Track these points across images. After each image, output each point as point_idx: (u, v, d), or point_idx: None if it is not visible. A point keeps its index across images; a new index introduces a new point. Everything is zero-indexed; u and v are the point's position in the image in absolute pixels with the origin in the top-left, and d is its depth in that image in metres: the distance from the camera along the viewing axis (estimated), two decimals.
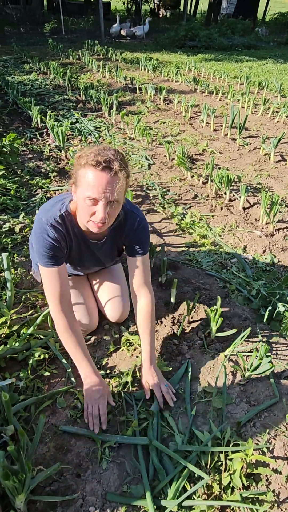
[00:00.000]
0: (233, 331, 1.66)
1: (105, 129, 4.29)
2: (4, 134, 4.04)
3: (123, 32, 13.00)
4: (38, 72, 7.04)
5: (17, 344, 1.55)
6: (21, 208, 2.68)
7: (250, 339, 1.74)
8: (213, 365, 1.63)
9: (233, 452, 1.28)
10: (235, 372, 1.58)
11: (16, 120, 4.55)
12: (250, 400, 1.48)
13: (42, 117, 4.27)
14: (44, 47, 10.36)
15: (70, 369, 1.55)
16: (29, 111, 4.47)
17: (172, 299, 1.89)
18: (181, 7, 18.90)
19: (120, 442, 1.32)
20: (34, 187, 2.99)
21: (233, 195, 2.96)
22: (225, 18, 17.23)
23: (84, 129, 4.22)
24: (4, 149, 3.20)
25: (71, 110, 4.92)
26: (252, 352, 1.67)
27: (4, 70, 7.10)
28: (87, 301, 1.72)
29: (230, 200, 2.92)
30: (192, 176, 3.24)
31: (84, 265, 1.64)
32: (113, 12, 20.33)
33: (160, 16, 20.81)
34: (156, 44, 11.83)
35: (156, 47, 11.37)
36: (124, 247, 1.59)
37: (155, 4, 21.03)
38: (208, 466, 1.25)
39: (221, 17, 17.22)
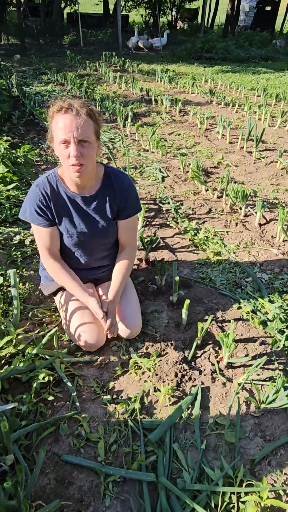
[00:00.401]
0: (247, 358, 1.57)
1: (119, 140, 4.28)
2: (20, 144, 4.06)
3: (140, 44, 13.15)
4: (55, 83, 7.14)
5: (21, 364, 1.49)
6: None
7: (266, 366, 1.65)
8: (225, 393, 1.54)
9: (246, 493, 1.19)
10: (249, 402, 1.49)
11: (32, 130, 4.58)
12: (265, 435, 1.38)
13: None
14: (63, 58, 10.55)
15: (75, 393, 1.48)
16: (45, 122, 4.49)
17: (184, 321, 1.81)
18: (199, 20, 19.07)
19: (125, 477, 1.24)
20: None
21: (249, 211, 2.87)
22: (243, 30, 17.30)
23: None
24: (19, 159, 3.21)
25: None
26: (267, 381, 1.57)
27: (22, 81, 7.22)
28: (96, 317, 1.65)
29: (246, 215, 2.84)
30: (207, 190, 3.17)
31: (77, 229, 1.59)
32: (131, 25, 20.68)
33: (178, 28, 21.04)
34: (173, 55, 11.91)
35: (173, 58, 11.44)
36: (117, 212, 1.64)
37: (173, 17, 21.28)
38: (219, 508, 1.16)
39: (238, 29, 17.29)
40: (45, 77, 7.74)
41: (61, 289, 1.75)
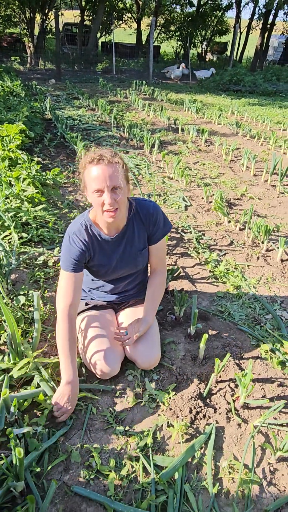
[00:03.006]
0: (265, 401, 1.53)
1: (145, 167, 4.38)
2: (50, 165, 4.23)
3: (175, 74, 13.59)
4: (86, 108, 7.43)
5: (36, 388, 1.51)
6: (57, 241, 2.73)
7: (284, 410, 1.60)
8: (240, 435, 1.50)
9: None
10: (264, 448, 1.45)
11: (62, 153, 4.76)
12: (280, 485, 1.33)
13: (87, 152, 4.44)
14: (95, 85, 11.00)
15: (85, 424, 1.48)
16: (75, 145, 4.67)
17: (201, 355, 1.80)
18: (228, 53, 19.67)
19: None
20: (72, 221, 3.04)
21: (271, 246, 2.87)
22: (271, 64, 17.69)
23: None
24: (48, 181, 3.33)
25: (115, 146, 5.10)
26: (285, 426, 1.53)
27: (56, 105, 7.55)
28: (113, 346, 1.67)
29: (268, 250, 2.83)
30: (229, 222, 3.19)
31: (110, 264, 1.67)
32: (162, 55, 21.46)
33: (207, 60, 21.72)
34: (201, 86, 12.25)
35: (200, 89, 11.77)
36: (148, 238, 1.70)
37: (203, 49, 22.03)
38: None
39: (266, 63, 17.71)
40: (77, 102, 8.08)
41: (83, 311, 1.79)
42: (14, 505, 1.20)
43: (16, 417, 1.43)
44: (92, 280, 1.77)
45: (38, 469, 1.30)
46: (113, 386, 1.65)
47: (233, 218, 3.27)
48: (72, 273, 1.56)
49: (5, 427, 1.37)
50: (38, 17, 15.39)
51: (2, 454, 1.23)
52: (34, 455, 1.29)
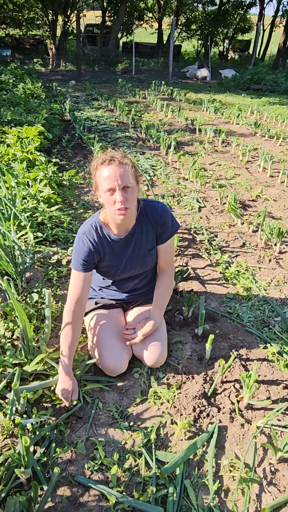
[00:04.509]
0: (268, 402, 1.55)
1: (160, 168, 4.42)
2: (67, 166, 4.32)
3: (199, 75, 13.55)
4: (105, 109, 7.53)
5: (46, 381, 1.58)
6: (71, 240, 2.80)
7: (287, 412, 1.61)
8: (242, 435, 1.52)
9: None
10: (266, 448, 1.46)
11: (79, 153, 4.85)
12: (280, 485, 1.35)
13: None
14: (114, 85, 11.10)
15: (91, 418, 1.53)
16: (92, 146, 4.75)
17: (207, 355, 1.82)
18: (250, 51, 19.41)
19: (134, 507, 1.26)
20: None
21: (284, 248, 2.85)
22: None
23: (141, 167, 4.39)
24: (64, 182, 3.42)
25: (131, 147, 5.15)
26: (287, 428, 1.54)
27: (75, 106, 7.68)
28: (121, 343, 1.72)
29: (280, 252, 2.82)
30: (242, 223, 3.19)
31: (119, 265, 1.71)
32: (183, 54, 21.38)
33: (229, 58, 21.50)
34: (220, 85, 12.16)
35: (220, 88, 11.68)
36: (156, 238, 1.74)
37: (224, 48, 21.82)
38: None
39: None
40: (96, 103, 8.19)
41: (93, 310, 1.84)
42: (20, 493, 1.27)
43: (26, 408, 1.51)
44: (103, 279, 1.82)
45: (45, 458, 1.37)
46: (119, 382, 1.70)
47: (246, 219, 3.26)
48: (81, 272, 1.63)
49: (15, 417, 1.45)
50: (60, 19, 15.66)
51: (13, 443, 1.30)
52: (39, 438, 1.36)
